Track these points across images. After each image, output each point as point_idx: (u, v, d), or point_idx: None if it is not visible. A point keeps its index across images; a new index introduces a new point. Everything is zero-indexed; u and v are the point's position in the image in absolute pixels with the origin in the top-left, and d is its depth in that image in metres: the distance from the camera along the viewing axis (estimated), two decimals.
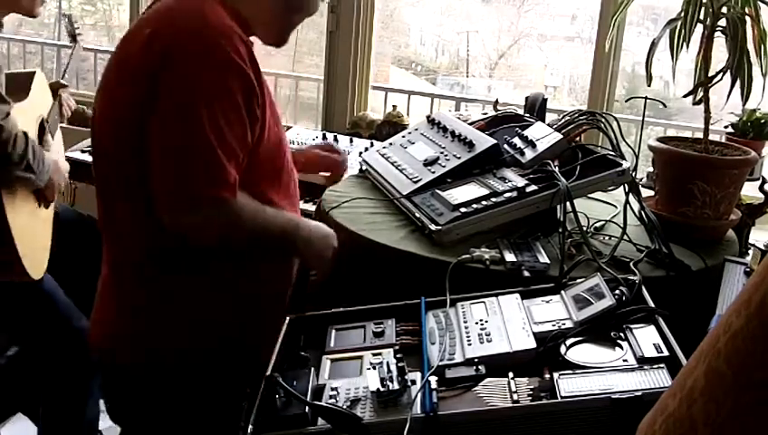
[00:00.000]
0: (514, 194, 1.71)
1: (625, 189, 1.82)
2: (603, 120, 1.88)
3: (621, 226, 1.77)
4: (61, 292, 2.30)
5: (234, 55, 1.34)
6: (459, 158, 1.91)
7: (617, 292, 1.33)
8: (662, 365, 1.14)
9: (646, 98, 2.02)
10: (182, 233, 1.37)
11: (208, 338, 1.49)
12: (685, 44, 1.76)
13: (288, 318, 1.40)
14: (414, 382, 1.16)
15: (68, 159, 2.56)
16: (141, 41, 1.36)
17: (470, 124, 2.10)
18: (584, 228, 1.73)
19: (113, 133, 1.42)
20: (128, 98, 1.37)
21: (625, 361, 1.17)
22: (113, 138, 1.43)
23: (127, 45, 1.43)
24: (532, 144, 1.88)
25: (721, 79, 1.76)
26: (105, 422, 2.54)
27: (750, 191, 2.22)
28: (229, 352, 1.50)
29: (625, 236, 1.74)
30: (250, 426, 1.11)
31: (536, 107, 2.15)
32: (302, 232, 1.53)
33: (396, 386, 1.13)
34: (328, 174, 2.01)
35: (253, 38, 1.50)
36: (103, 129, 1.46)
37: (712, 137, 1.95)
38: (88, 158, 2.89)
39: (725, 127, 2.30)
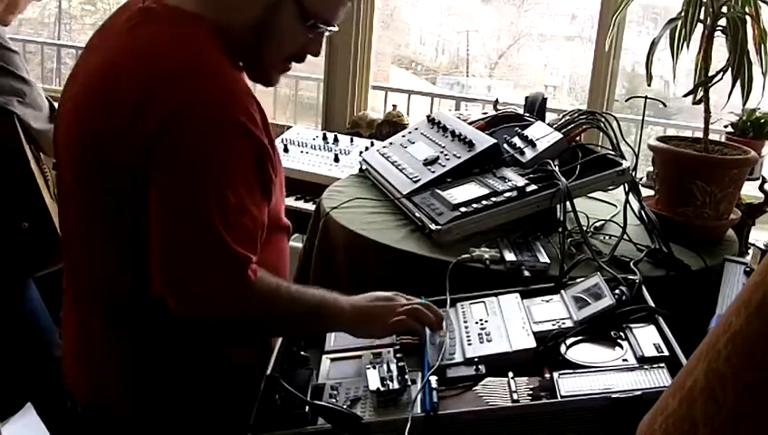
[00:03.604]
0: (514, 193, 1.71)
1: (625, 189, 1.82)
2: (603, 119, 1.88)
3: (621, 225, 1.77)
4: (42, 310, 2.26)
5: (244, 119, 1.14)
6: (459, 157, 1.91)
7: (617, 291, 1.33)
8: (662, 365, 1.14)
9: (646, 97, 2.02)
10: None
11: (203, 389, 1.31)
12: (685, 44, 1.76)
13: None
14: (414, 382, 1.17)
15: None
16: (131, 90, 1.14)
17: (470, 124, 2.09)
18: (584, 228, 1.73)
19: (98, 177, 1.20)
20: (116, 148, 1.15)
21: (625, 360, 1.17)
22: (99, 182, 1.20)
23: (109, 79, 1.17)
24: (532, 144, 1.88)
25: (721, 78, 1.76)
26: None
27: (750, 191, 2.22)
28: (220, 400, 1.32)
29: (625, 236, 1.74)
30: (251, 425, 1.11)
31: (536, 106, 2.14)
32: (330, 309, 1.28)
33: (396, 385, 1.13)
34: None
35: None
36: (80, 160, 1.23)
37: (712, 136, 1.95)
38: None
39: (725, 126, 2.30)
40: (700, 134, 1.94)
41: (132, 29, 1.21)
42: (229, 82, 1.17)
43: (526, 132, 1.93)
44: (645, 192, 1.93)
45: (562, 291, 1.41)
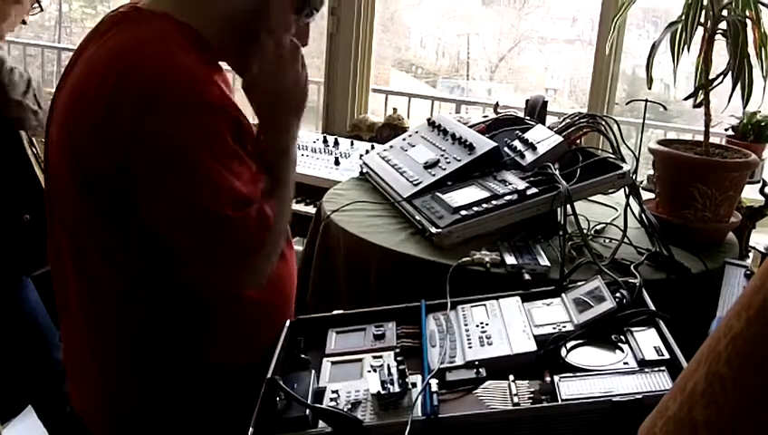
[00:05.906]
0: (515, 197, 1.71)
1: (625, 192, 1.82)
2: (603, 122, 1.88)
3: (622, 228, 1.77)
4: (42, 312, 2.25)
5: (215, 99, 1.15)
6: (459, 160, 1.91)
7: (617, 295, 1.33)
8: (663, 368, 1.14)
9: (646, 100, 2.02)
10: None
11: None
12: (685, 47, 1.77)
13: (288, 321, 1.40)
14: (415, 385, 1.16)
15: None
16: (99, 91, 1.13)
17: (470, 127, 2.10)
18: (584, 231, 1.73)
19: (83, 188, 1.20)
20: (94, 151, 1.15)
21: (625, 363, 1.17)
22: (84, 194, 1.20)
23: (81, 87, 1.19)
24: (532, 147, 1.88)
25: (721, 82, 1.77)
26: None
27: (750, 194, 2.22)
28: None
29: (625, 239, 1.74)
30: (251, 429, 1.11)
31: (536, 110, 2.15)
32: (282, 165, 1.29)
33: (396, 389, 1.13)
34: None
35: None
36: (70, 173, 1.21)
37: (712, 139, 1.95)
38: None
39: (726, 129, 2.30)
40: (701, 137, 1.94)
41: (102, 35, 1.23)
42: (191, 68, 1.16)
43: (527, 135, 1.93)
44: (645, 195, 1.93)
45: (563, 294, 1.41)
